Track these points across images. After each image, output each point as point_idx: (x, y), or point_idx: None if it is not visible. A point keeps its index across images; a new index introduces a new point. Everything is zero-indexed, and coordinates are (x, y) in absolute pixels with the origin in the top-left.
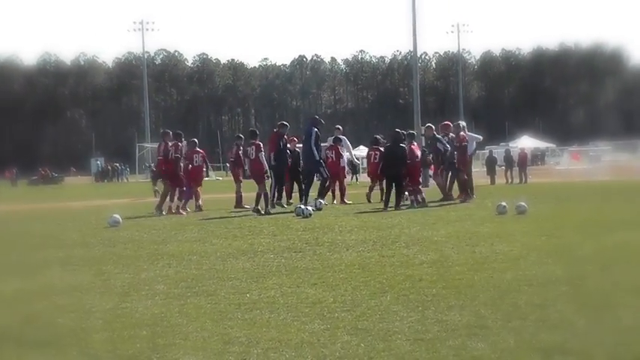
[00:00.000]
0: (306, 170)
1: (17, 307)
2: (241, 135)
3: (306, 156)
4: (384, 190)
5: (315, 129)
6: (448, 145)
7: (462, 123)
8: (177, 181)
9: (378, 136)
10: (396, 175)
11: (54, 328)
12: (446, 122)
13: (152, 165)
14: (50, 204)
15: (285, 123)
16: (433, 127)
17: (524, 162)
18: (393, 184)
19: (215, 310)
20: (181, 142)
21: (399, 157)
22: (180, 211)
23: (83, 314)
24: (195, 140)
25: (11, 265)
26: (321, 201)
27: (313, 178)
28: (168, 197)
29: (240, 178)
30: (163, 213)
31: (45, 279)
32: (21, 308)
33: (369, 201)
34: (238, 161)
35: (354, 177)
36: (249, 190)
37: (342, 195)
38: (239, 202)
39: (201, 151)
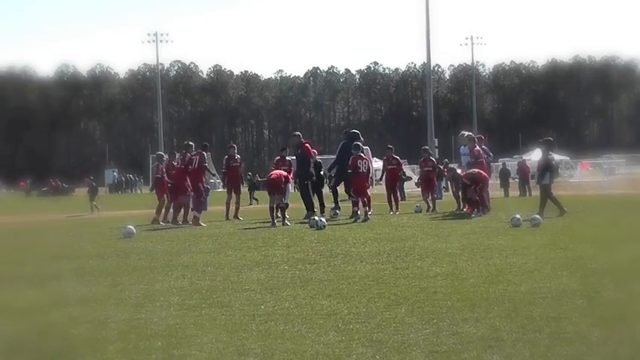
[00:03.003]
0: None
1: (32, 319)
2: (162, 153)
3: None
4: (541, 198)
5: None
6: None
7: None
8: (183, 191)
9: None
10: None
11: (69, 339)
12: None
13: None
14: (64, 215)
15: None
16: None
17: (526, 174)
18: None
19: (230, 321)
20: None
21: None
22: (189, 221)
23: (98, 325)
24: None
25: (25, 277)
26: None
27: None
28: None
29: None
30: (162, 223)
31: (59, 290)
32: (36, 320)
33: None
34: (162, 179)
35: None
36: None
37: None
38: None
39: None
